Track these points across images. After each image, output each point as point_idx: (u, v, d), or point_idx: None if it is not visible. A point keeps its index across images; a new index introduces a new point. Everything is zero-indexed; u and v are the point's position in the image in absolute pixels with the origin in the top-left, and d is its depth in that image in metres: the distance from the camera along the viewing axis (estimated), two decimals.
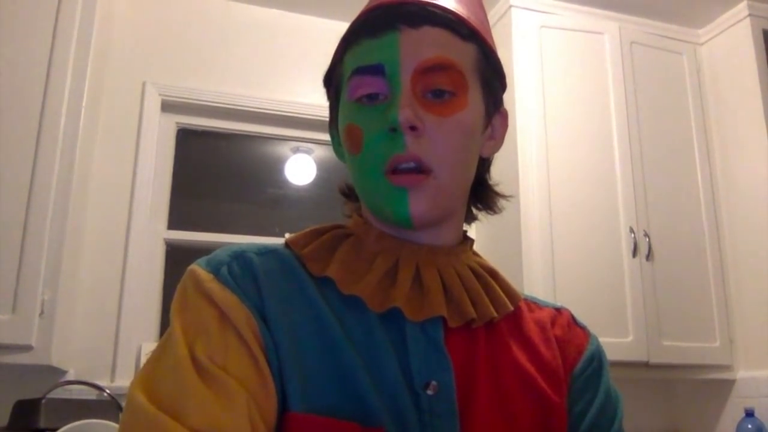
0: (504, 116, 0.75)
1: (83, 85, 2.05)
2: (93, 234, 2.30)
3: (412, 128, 0.62)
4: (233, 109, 2.63)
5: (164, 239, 2.48)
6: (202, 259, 0.65)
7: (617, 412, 0.73)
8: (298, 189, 2.89)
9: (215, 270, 0.63)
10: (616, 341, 2.30)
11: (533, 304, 0.77)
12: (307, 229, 0.71)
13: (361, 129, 0.65)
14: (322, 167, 2.89)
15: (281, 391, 0.59)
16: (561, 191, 2.43)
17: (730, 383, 2.54)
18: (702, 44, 2.85)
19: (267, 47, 2.72)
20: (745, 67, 2.65)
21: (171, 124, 2.60)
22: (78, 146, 2.01)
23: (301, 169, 2.87)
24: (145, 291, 2.36)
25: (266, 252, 0.67)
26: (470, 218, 0.76)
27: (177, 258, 2.52)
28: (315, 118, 2.72)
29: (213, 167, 2.79)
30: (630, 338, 2.34)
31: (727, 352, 2.51)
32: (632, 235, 2.46)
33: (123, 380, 2.20)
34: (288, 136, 2.79)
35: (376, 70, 0.65)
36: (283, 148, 2.86)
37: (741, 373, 2.52)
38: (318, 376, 0.59)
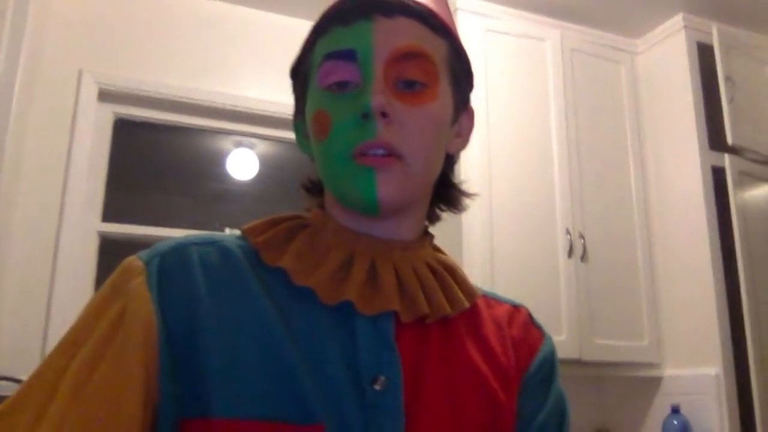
0: (471, 115, 0.76)
1: (15, 71, 1.97)
2: (23, 226, 2.22)
3: (384, 114, 0.62)
4: (174, 100, 2.58)
5: (98, 232, 2.41)
6: (143, 251, 0.65)
7: (565, 417, 0.73)
8: (240, 184, 2.85)
9: (148, 261, 0.62)
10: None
11: (492, 301, 0.77)
12: (265, 218, 0.70)
13: (330, 115, 0.64)
14: (265, 162, 2.87)
15: (195, 399, 0.57)
16: (502, 192, 2.48)
17: (657, 380, 2.64)
18: (639, 54, 2.95)
19: (212, 40, 2.67)
20: (679, 78, 2.76)
21: (108, 113, 2.52)
22: (8, 135, 1.93)
23: (243, 163, 2.84)
24: (76, 285, 2.29)
25: (209, 243, 0.66)
26: (433, 217, 0.76)
27: (111, 251, 2.46)
28: (259, 112, 2.69)
29: (152, 159, 2.72)
30: (563, 336, 2.41)
31: (655, 351, 2.61)
32: (568, 236, 2.53)
33: None
34: (230, 130, 2.75)
35: (349, 55, 0.64)
36: (225, 142, 2.82)
37: (668, 371, 2.62)
38: (253, 377, 0.58)
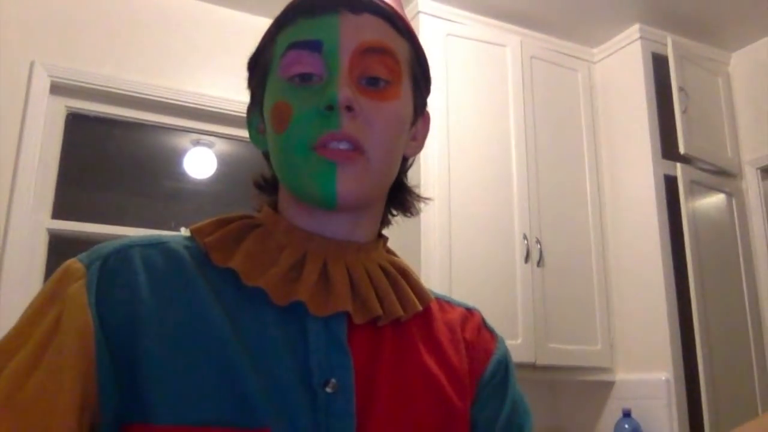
0: (427, 120, 0.75)
1: None
2: None
3: (349, 108, 0.61)
4: (130, 95, 2.52)
5: (47, 229, 2.34)
6: (84, 252, 0.63)
7: (526, 420, 0.73)
8: (197, 183, 2.80)
9: (89, 264, 0.61)
10: (506, 343, 2.38)
11: (446, 304, 0.76)
12: (214, 218, 0.68)
13: (291, 106, 0.63)
14: (223, 161, 2.82)
15: (138, 404, 0.55)
16: (460, 196, 2.49)
17: (609, 385, 2.68)
18: (596, 62, 3.00)
19: (171, 35, 2.62)
20: (633, 87, 2.81)
21: (60, 107, 2.45)
22: None
23: (200, 162, 2.79)
24: (24, 283, 2.21)
25: (154, 244, 0.64)
26: (386, 221, 0.75)
27: (61, 249, 2.39)
28: (218, 110, 2.65)
29: (105, 156, 2.65)
30: (519, 340, 2.43)
31: (607, 355, 2.66)
32: (525, 241, 2.56)
33: None
34: (188, 128, 2.70)
35: (314, 45, 0.64)
36: (183, 140, 2.77)
37: (620, 376, 2.66)
38: (196, 380, 0.57)
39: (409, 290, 0.69)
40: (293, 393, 0.58)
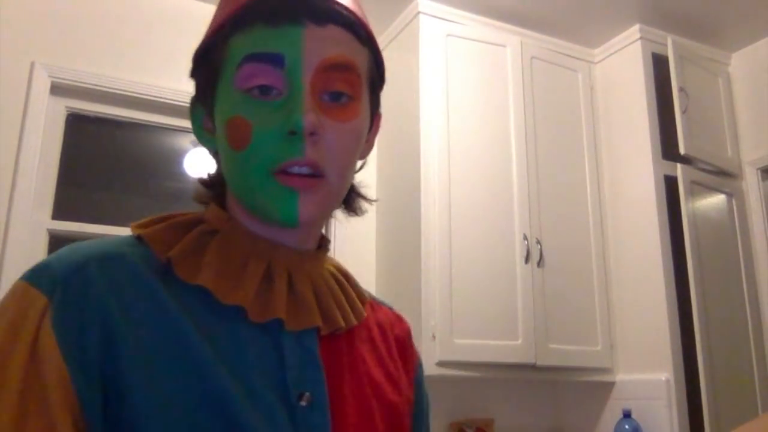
0: (379, 119, 0.74)
1: None
2: None
3: (312, 134, 0.60)
4: (130, 95, 2.52)
5: (47, 229, 2.34)
6: (35, 272, 0.57)
7: (429, 415, 0.80)
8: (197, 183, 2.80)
9: (48, 292, 0.55)
10: (507, 344, 2.38)
11: (375, 304, 0.78)
12: (161, 222, 0.65)
13: (251, 124, 0.60)
14: None
15: None
16: (461, 198, 2.49)
17: (609, 385, 2.68)
18: (596, 63, 3.00)
19: (170, 35, 2.62)
20: (634, 88, 2.81)
21: (60, 108, 2.45)
22: None
23: (200, 162, 2.79)
24: None
25: (111, 258, 0.59)
26: (329, 220, 0.75)
27: None
28: None
29: (105, 156, 2.65)
30: (519, 341, 2.43)
31: (607, 356, 2.65)
32: (525, 242, 2.56)
33: None
34: (188, 128, 2.69)
35: (275, 60, 0.61)
36: (183, 140, 2.77)
37: (620, 376, 2.66)
38: (184, 407, 0.55)
39: (355, 296, 0.71)
40: (275, 410, 0.59)
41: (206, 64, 0.67)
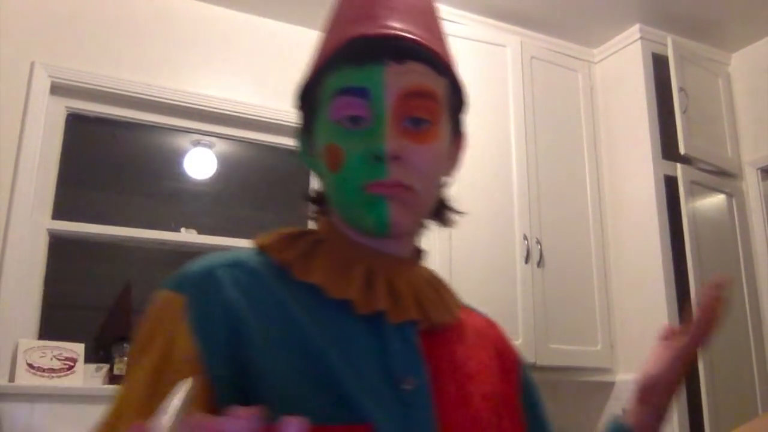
0: (463, 139, 0.82)
1: None
2: None
3: (395, 157, 0.67)
4: (130, 95, 2.52)
5: (47, 229, 2.34)
6: (172, 279, 0.68)
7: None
8: (197, 183, 2.80)
9: (183, 291, 0.66)
10: None
11: (468, 311, 0.85)
12: (278, 234, 0.75)
13: (342, 150, 0.69)
14: (223, 162, 2.82)
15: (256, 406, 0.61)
16: (460, 197, 2.48)
17: (609, 385, 2.68)
18: (596, 63, 3.00)
19: (171, 35, 2.62)
20: (634, 88, 2.81)
21: (60, 108, 2.45)
22: None
23: (200, 162, 2.79)
24: (24, 284, 2.21)
25: (235, 264, 0.69)
26: (423, 231, 0.82)
27: (61, 250, 2.39)
28: (218, 111, 2.65)
29: (105, 156, 2.66)
30: (519, 340, 2.43)
31: (608, 356, 2.65)
32: (525, 242, 2.56)
33: None
34: (188, 128, 2.70)
35: (361, 93, 0.69)
36: (183, 141, 2.77)
37: (620, 376, 2.66)
38: (302, 384, 0.63)
39: (449, 300, 0.79)
40: (382, 391, 0.66)
41: (307, 99, 0.76)
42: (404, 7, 0.74)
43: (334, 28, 0.75)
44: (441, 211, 0.82)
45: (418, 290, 0.74)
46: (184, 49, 2.64)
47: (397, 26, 0.71)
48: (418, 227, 0.77)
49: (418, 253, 0.80)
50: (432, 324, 0.73)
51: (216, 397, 0.61)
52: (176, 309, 0.64)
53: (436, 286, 0.78)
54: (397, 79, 0.69)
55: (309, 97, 0.76)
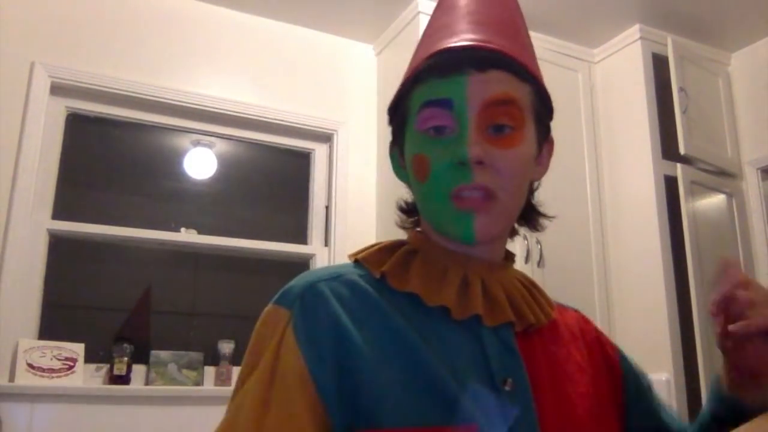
0: (551, 144, 0.85)
1: None
2: None
3: (479, 162, 0.69)
4: (130, 95, 2.52)
5: (48, 230, 2.34)
6: (279, 295, 0.71)
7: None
8: (197, 183, 2.80)
9: (289, 306, 0.68)
10: None
11: (561, 308, 0.87)
12: (374, 247, 0.77)
13: (429, 159, 0.72)
14: (223, 161, 2.82)
15: (364, 413, 0.64)
16: None
17: None
18: (596, 63, 3.00)
19: (170, 35, 2.62)
20: (634, 88, 2.81)
21: (61, 108, 2.45)
22: None
23: (200, 162, 2.79)
24: (24, 284, 2.21)
25: (334, 278, 0.72)
26: (512, 234, 0.84)
27: (61, 250, 2.39)
28: (218, 111, 2.65)
29: (105, 156, 2.65)
30: None
31: None
32: (525, 241, 2.56)
33: None
34: (188, 128, 2.70)
35: (445, 104, 0.71)
36: (183, 140, 2.77)
37: None
38: (407, 388, 0.65)
39: (542, 301, 0.80)
40: (483, 393, 0.67)
41: (397, 113, 0.79)
42: (487, 20, 0.77)
43: (422, 44, 0.78)
44: (530, 216, 0.85)
45: (512, 292, 0.75)
46: (184, 49, 2.64)
47: (478, 37, 0.74)
48: (507, 232, 0.79)
49: (508, 256, 0.82)
50: (527, 325, 0.74)
51: (325, 407, 0.63)
52: (282, 323, 0.67)
53: (528, 288, 0.79)
54: (479, 89, 0.71)
55: (399, 111, 0.78)
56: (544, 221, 0.87)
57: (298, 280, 0.72)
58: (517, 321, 0.73)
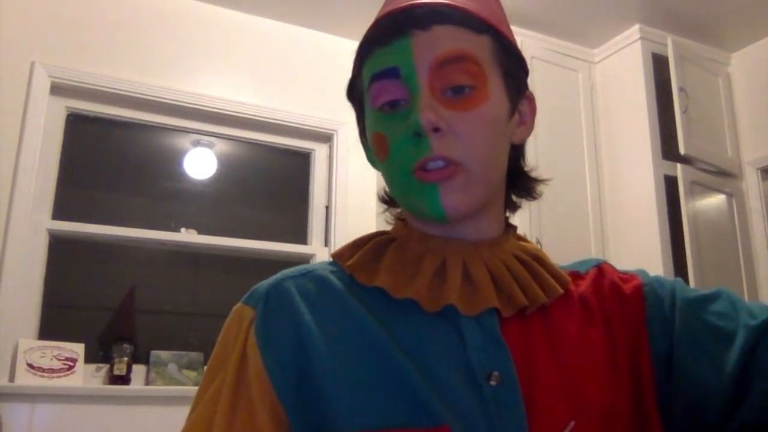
0: (530, 100, 0.76)
1: None
2: None
3: (436, 130, 0.63)
4: (130, 95, 2.52)
5: (47, 229, 2.34)
6: (247, 294, 0.69)
7: (679, 292, 0.70)
8: (197, 183, 2.80)
9: (254, 305, 0.67)
10: None
11: (575, 275, 0.74)
12: (350, 242, 0.73)
13: (386, 136, 0.66)
14: (223, 161, 2.82)
15: (326, 418, 0.61)
16: None
17: None
18: (596, 63, 3.00)
19: (170, 35, 2.63)
20: (634, 88, 2.81)
21: (60, 108, 2.46)
22: None
23: (200, 162, 2.79)
24: (24, 283, 2.22)
25: (303, 274, 0.69)
26: (512, 207, 0.76)
27: (61, 250, 2.39)
28: (218, 111, 2.65)
29: (105, 156, 2.65)
30: None
31: None
32: None
33: None
34: (188, 128, 2.70)
35: (392, 73, 0.65)
36: (183, 140, 2.77)
37: None
38: (373, 390, 0.61)
39: (547, 275, 0.70)
40: (460, 390, 0.61)
41: (354, 99, 0.74)
42: None
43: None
44: (521, 182, 0.76)
45: (501, 273, 0.67)
46: (185, 49, 2.64)
47: None
48: (492, 204, 0.70)
49: (507, 228, 0.73)
50: (520, 308, 0.65)
51: (286, 415, 0.61)
52: (246, 323, 0.65)
53: (527, 262, 0.70)
54: (425, 49, 0.64)
55: (355, 93, 0.73)
56: (537, 187, 0.77)
57: (269, 279, 0.69)
58: (504, 305, 0.65)
